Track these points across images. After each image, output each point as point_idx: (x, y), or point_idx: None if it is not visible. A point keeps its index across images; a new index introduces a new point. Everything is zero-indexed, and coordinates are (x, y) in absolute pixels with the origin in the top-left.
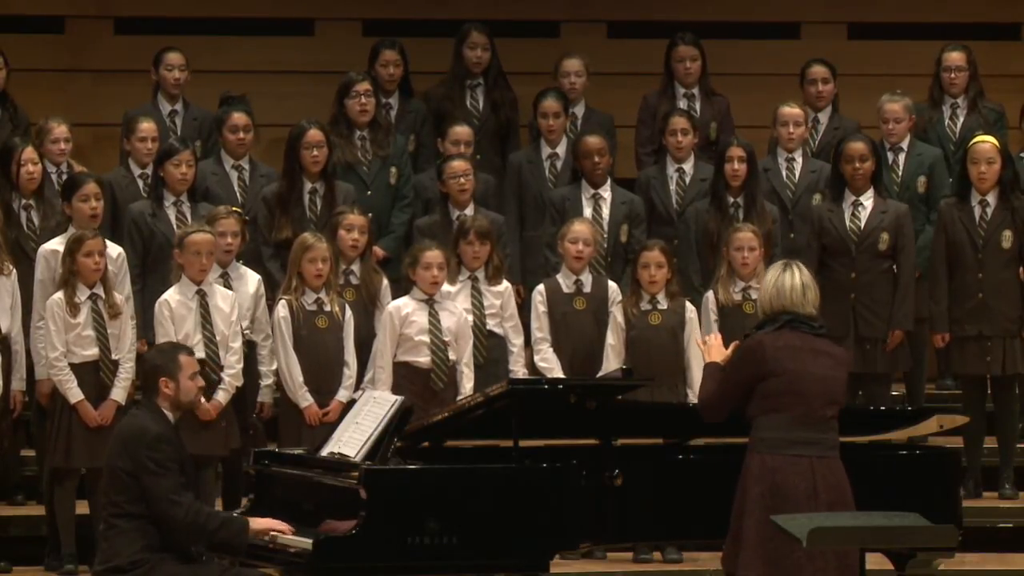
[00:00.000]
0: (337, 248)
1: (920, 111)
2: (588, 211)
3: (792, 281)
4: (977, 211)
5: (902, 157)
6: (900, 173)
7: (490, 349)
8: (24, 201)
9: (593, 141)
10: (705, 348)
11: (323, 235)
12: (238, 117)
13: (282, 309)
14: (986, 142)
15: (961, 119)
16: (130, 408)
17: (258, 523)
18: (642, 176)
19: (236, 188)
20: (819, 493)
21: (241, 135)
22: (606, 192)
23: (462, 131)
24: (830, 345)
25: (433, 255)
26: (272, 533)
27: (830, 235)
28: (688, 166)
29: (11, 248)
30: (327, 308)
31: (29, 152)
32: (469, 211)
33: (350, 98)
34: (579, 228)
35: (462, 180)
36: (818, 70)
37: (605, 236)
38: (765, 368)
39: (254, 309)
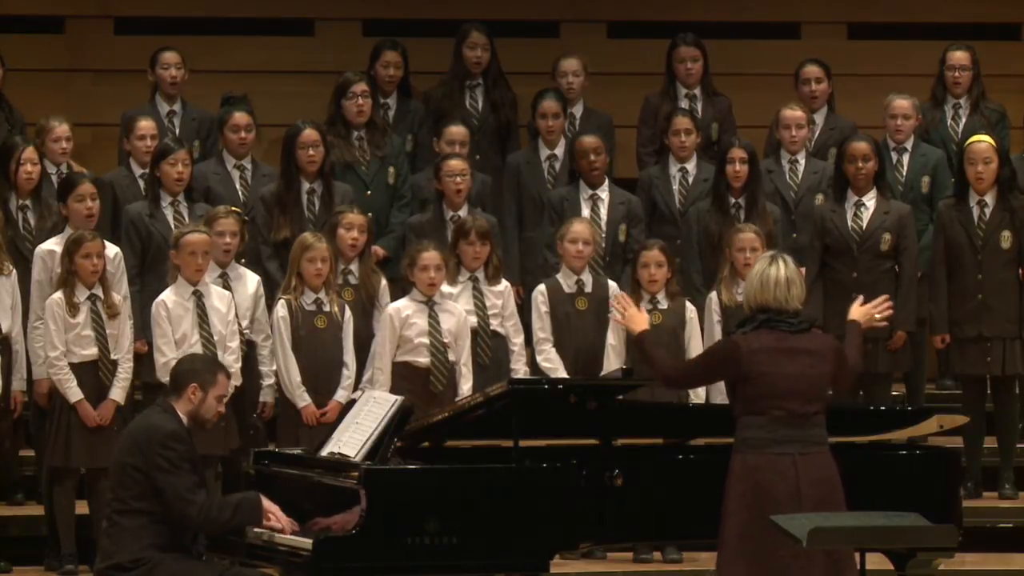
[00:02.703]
0: (336, 247)
1: (922, 111)
2: (586, 211)
3: (777, 275)
4: (976, 212)
5: (906, 157)
6: (904, 173)
7: (494, 349)
8: (21, 202)
9: (589, 141)
10: (627, 320)
11: (322, 235)
12: (239, 117)
13: (281, 309)
14: (983, 142)
15: (963, 119)
16: (142, 407)
17: (270, 505)
18: (644, 176)
19: (238, 188)
20: (802, 490)
21: (242, 135)
22: (604, 192)
23: (457, 131)
24: (809, 340)
25: (431, 256)
26: (271, 525)
27: (832, 235)
28: (691, 166)
29: (7, 248)
30: (326, 308)
31: (30, 152)
32: (463, 212)
33: (347, 99)
34: (578, 228)
35: (458, 179)
36: (811, 70)
37: (603, 236)
38: (739, 371)
39: (253, 309)
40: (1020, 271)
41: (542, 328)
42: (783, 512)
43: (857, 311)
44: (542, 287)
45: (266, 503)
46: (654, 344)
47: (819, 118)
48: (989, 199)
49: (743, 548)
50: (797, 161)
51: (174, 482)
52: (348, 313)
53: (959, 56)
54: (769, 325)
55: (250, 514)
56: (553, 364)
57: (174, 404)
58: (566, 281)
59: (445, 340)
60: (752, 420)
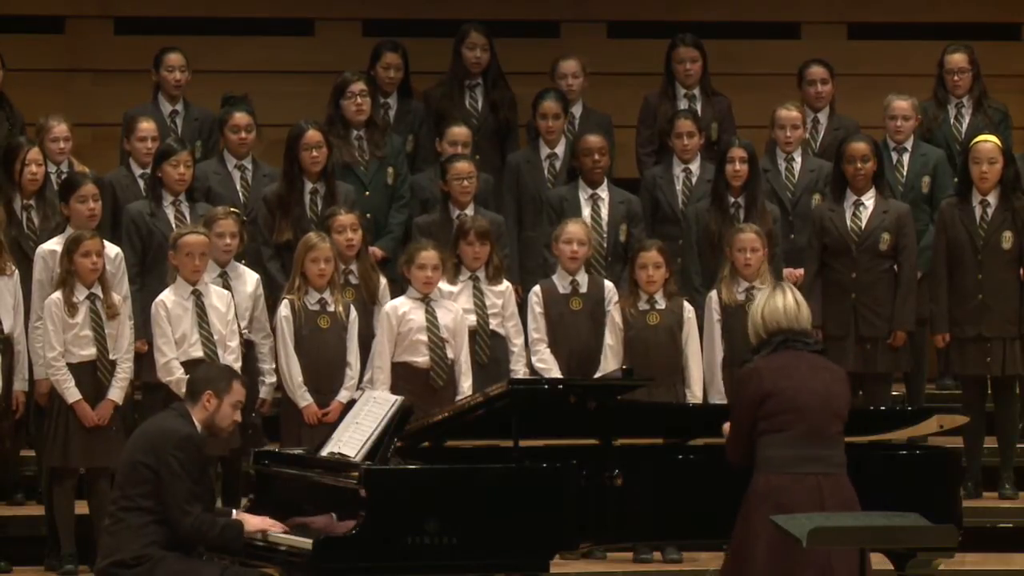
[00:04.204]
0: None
1: (925, 111)
2: (586, 211)
3: (785, 300)
4: (978, 211)
5: (907, 157)
6: (904, 173)
7: (492, 349)
8: (25, 201)
9: (594, 140)
10: None
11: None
12: (240, 117)
13: (284, 309)
14: (988, 142)
15: (966, 119)
16: (141, 407)
17: (252, 523)
18: (648, 175)
19: (238, 188)
20: (827, 511)
21: (243, 135)
22: (604, 192)
23: (460, 132)
24: (827, 362)
25: (428, 255)
26: (262, 532)
27: (831, 235)
28: (694, 166)
29: (11, 248)
30: (330, 308)
31: (35, 152)
32: (469, 211)
33: (345, 98)
34: (572, 229)
35: (465, 183)
36: (817, 71)
37: (604, 236)
38: (763, 389)
39: (252, 308)
40: (1021, 271)
41: (537, 329)
42: None
43: None
44: (537, 288)
45: (257, 522)
46: None
47: (823, 118)
48: (992, 199)
49: (772, 571)
50: (794, 160)
51: (177, 488)
52: (353, 313)
53: (957, 59)
54: (787, 346)
55: (232, 540)
56: (548, 365)
57: (191, 410)
58: (561, 282)
59: (443, 336)
60: (774, 438)
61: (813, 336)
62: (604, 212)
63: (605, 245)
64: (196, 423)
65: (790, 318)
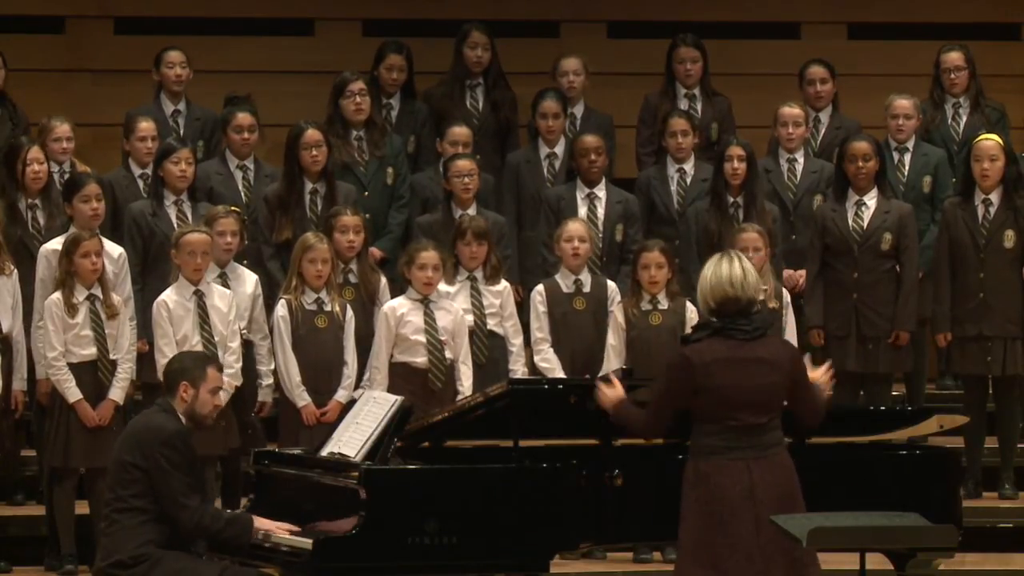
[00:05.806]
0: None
1: (923, 111)
2: (583, 211)
3: (730, 268)
4: (980, 211)
5: (908, 157)
6: (906, 173)
7: (490, 349)
8: (30, 201)
9: (590, 140)
10: (602, 401)
11: (324, 235)
12: (243, 117)
13: (281, 309)
14: (989, 140)
15: (964, 118)
16: (142, 407)
17: (263, 523)
18: (642, 176)
19: (240, 188)
20: (756, 494)
21: (246, 135)
22: (601, 192)
23: (460, 132)
24: (765, 347)
25: (429, 256)
26: (268, 531)
27: (833, 235)
28: (689, 166)
29: (16, 248)
30: (327, 308)
31: (35, 151)
32: (472, 211)
33: (344, 98)
34: (574, 227)
35: (466, 180)
36: (817, 70)
37: (600, 236)
38: (693, 384)
39: (251, 309)
40: (1023, 271)
41: (540, 328)
42: (737, 514)
43: (813, 374)
44: (540, 287)
45: (267, 523)
46: (628, 407)
47: (824, 118)
48: (994, 198)
49: (698, 555)
50: (796, 161)
51: (171, 484)
52: (350, 313)
53: (953, 57)
54: (724, 334)
55: (240, 532)
56: (551, 364)
57: (173, 404)
58: (564, 281)
59: (442, 338)
60: (706, 427)
61: (758, 308)
62: (601, 212)
63: (601, 245)
64: (180, 416)
65: (736, 286)
